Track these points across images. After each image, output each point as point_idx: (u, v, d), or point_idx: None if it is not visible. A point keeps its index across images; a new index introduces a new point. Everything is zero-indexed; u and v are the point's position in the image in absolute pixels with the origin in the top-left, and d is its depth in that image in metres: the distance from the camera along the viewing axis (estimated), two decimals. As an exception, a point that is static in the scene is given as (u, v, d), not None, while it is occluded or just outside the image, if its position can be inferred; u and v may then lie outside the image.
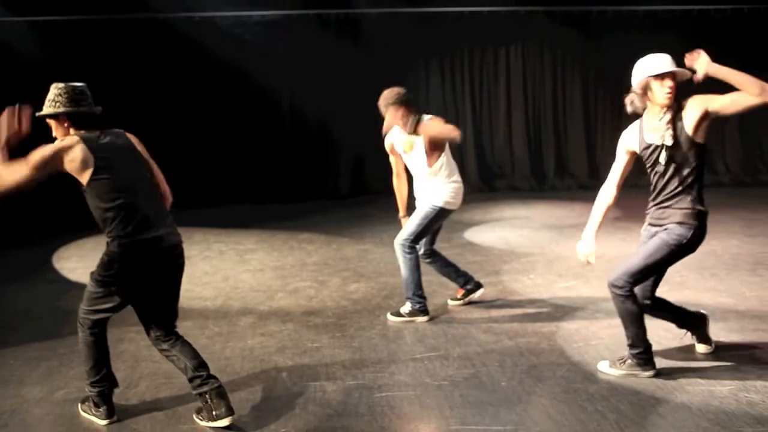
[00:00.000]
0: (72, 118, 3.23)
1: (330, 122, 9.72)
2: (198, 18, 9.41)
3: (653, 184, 3.58)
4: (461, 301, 4.92)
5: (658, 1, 9.70)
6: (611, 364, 3.72)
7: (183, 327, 4.65)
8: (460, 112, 10.44)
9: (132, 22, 9.29)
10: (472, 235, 7.43)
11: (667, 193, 3.52)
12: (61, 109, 3.20)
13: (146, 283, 3.30)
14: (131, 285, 3.28)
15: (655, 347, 3.99)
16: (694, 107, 3.38)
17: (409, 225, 4.65)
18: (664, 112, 3.42)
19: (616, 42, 9.92)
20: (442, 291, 5.31)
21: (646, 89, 3.41)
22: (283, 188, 9.87)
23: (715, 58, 3.16)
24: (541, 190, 10.32)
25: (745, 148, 10.68)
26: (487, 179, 10.49)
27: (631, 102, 3.53)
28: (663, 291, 5.10)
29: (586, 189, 9.22)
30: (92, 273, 3.33)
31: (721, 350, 3.94)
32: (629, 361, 3.69)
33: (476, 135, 10.49)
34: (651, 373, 3.64)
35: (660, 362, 3.78)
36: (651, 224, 3.65)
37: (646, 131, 3.50)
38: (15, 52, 8.81)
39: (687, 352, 3.93)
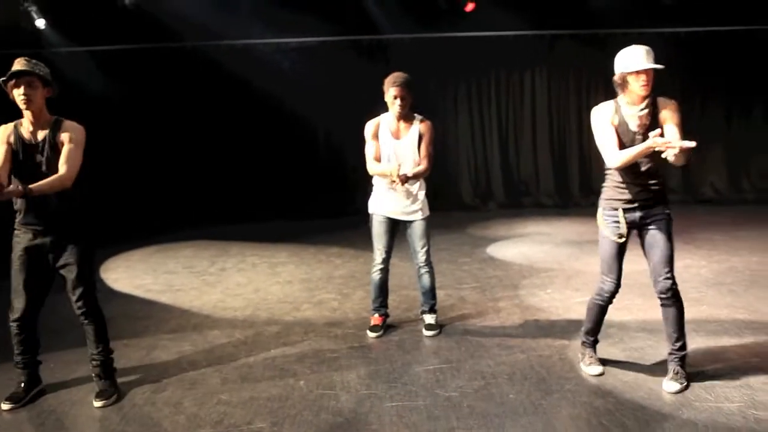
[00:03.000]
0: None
1: (363, 143, 9.74)
2: (240, 45, 9.61)
3: (619, 171, 3.52)
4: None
5: (681, 23, 9.49)
6: (678, 382, 3.49)
7: (211, 335, 4.75)
8: (486, 131, 10.37)
9: (177, 51, 9.55)
10: (495, 250, 7.34)
11: (644, 176, 3.49)
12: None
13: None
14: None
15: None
16: (666, 113, 3.44)
17: (422, 244, 4.49)
18: (642, 102, 3.44)
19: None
20: (459, 305, 5.26)
21: (624, 81, 3.42)
22: (319, 205, 9.93)
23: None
24: (565, 207, 10.15)
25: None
26: (513, 196, 10.36)
27: (616, 87, 3.51)
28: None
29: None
30: (82, 260, 3.61)
31: (733, 367, 3.78)
32: (681, 370, 3.55)
33: (503, 153, 10.39)
34: None
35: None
36: (627, 205, 3.53)
37: (625, 115, 3.48)
38: (71, 80, 9.10)
39: (697, 367, 3.78)
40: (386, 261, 4.55)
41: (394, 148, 4.40)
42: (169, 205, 9.82)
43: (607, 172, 3.62)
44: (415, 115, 4.44)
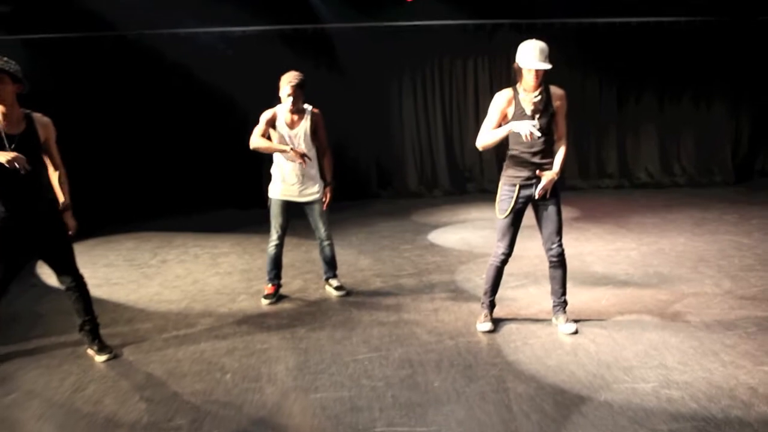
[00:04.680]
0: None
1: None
2: (183, 34, 9.24)
3: (519, 145, 3.89)
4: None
5: (615, 13, 9.55)
6: (572, 322, 4.12)
7: (142, 330, 4.55)
8: (431, 119, 10.25)
9: (116, 40, 9.11)
10: (436, 236, 7.26)
11: (539, 155, 3.90)
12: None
13: None
14: None
15: (588, 345, 3.86)
16: (558, 100, 3.92)
17: (323, 221, 5.04)
18: (536, 90, 3.83)
19: (576, 52, 9.82)
20: (395, 292, 5.17)
21: (519, 71, 3.83)
22: (264, 194, 9.66)
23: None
24: (508, 192, 10.14)
25: (699, 151, 10.52)
26: (458, 183, 10.29)
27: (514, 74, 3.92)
28: (607, 289, 4.98)
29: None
30: (68, 242, 3.99)
31: (652, 347, 3.79)
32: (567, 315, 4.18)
33: (447, 141, 10.29)
34: None
35: (591, 360, 3.64)
36: (525, 182, 3.93)
37: (522, 101, 3.86)
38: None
39: (618, 350, 3.78)
40: (281, 238, 5.04)
41: (289, 136, 4.82)
42: (113, 197, 9.44)
43: (509, 152, 4.00)
44: (305, 107, 4.84)
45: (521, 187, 3.95)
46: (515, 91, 3.90)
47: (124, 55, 9.24)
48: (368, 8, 9.10)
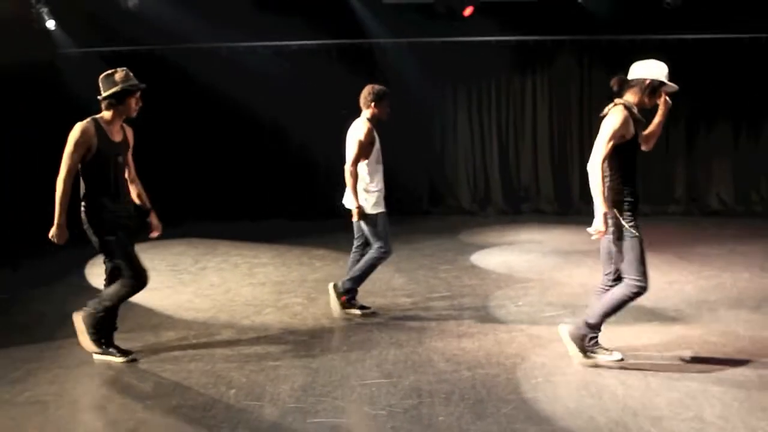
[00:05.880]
0: None
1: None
2: (242, 48, 9.42)
3: (631, 173, 3.61)
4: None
5: (686, 29, 8.96)
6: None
7: (165, 337, 4.55)
8: (486, 136, 9.94)
9: (175, 52, 9.31)
10: (479, 257, 6.97)
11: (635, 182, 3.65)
12: None
13: None
14: None
15: (616, 388, 3.52)
16: None
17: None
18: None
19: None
20: (422, 315, 4.95)
21: (653, 91, 3.56)
22: (314, 206, 9.64)
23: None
24: (565, 214, 9.64)
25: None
26: (512, 203, 9.93)
27: (618, 83, 3.64)
28: (652, 326, 4.57)
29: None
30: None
31: (689, 396, 3.40)
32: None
33: (502, 159, 9.95)
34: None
35: (616, 405, 3.30)
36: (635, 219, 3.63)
37: (637, 121, 3.59)
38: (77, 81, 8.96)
39: (647, 395, 3.41)
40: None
41: (380, 149, 4.78)
42: (174, 201, 9.67)
43: (616, 173, 3.61)
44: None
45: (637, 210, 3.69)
46: (629, 108, 3.57)
47: (194, 67, 9.42)
48: (423, 23, 8.97)
